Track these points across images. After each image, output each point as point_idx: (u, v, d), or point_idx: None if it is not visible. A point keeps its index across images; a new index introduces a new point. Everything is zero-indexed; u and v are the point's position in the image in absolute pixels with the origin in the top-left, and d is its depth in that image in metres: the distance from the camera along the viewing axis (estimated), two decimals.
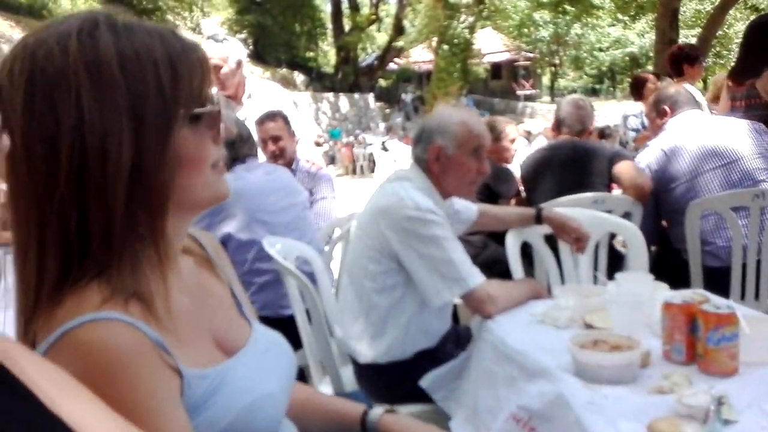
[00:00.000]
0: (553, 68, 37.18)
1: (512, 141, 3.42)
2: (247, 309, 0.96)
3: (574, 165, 2.86)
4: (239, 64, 3.02)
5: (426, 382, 1.76)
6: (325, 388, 1.98)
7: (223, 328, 0.85)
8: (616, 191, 2.91)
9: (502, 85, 34.63)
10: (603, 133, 8.33)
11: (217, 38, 3.03)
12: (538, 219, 2.15)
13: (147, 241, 0.69)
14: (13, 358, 0.48)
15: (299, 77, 29.13)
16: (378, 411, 1.01)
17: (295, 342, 1.70)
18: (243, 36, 27.30)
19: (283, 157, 3.04)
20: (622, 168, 2.74)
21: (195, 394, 0.71)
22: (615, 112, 15.10)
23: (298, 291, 1.96)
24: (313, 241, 2.40)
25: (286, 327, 1.32)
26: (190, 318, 0.78)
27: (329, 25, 32.65)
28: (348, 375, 1.98)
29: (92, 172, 0.66)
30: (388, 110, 29.87)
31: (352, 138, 19.74)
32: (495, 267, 2.70)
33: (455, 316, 2.27)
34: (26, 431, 0.44)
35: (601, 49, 35.75)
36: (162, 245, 0.71)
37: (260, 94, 3.19)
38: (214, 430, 0.72)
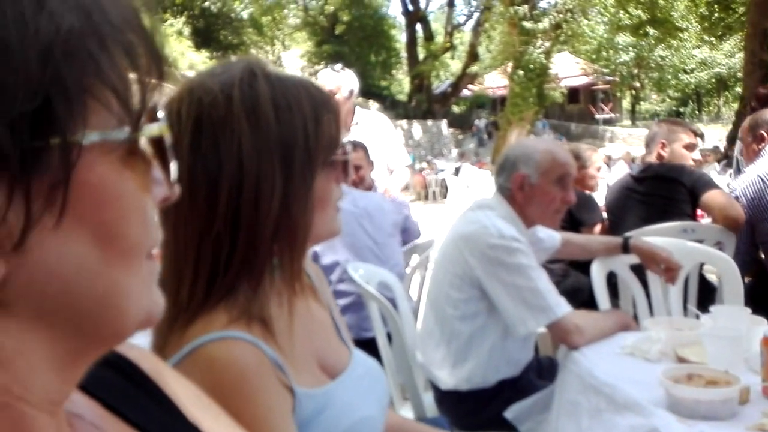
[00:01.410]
0: (633, 91, 36.07)
1: (598, 169, 3.37)
2: (346, 334, 1.01)
3: (660, 192, 2.78)
4: (351, 93, 3.20)
5: (511, 413, 1.74)
6: (406, 413, 2.00)
7: (326, 351, 0.90)
8: (706, 220, 2.80)
9: (579, 108, 33.90)
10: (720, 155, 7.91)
11: (335, 68, 3.25)
12: (626, 248, 2.10)
13: (281, 272, 0.76)
14: (160, 372, 0.53)
15: (373, 105, 29.70)
16: None
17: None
18: (320, 67, 28.18)
19: (362, 184, 3.13)
20: (712, 197, 2.64)
21: (304, 413, 0.76)
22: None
23: (380, 316, 2.00)
24: (396, 266, 2.45)
25: (367, 350, 1.35)
26: (299, 340, 0.83)
27: (404, 54, 33.19)
28: (429, 401, 2.00)
29: (246, 212, 0.73)
30: (461, 136, 29.85)
31: (424, 164, 19.83)
32: (577, 296, 2.65)
33: (535, 346, 2.25)
34: None
35: (685, 71, 34.41)
36: (294, 276, 0.77)
37: (366, 122, 3.37)
38: None
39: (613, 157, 12.53)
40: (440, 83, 34.29)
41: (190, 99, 0.75)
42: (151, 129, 0.36)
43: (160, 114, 0.37)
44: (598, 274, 2.21)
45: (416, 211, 3.06)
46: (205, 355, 0.69)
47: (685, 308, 2.21)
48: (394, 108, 31.00)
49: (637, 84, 34.67)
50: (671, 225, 2.56)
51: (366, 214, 2.46)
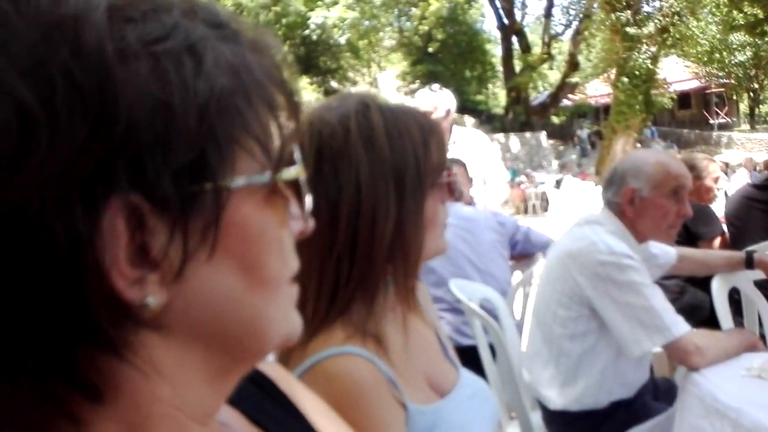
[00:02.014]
0: (751, 93, 33.45)
1: (715, 180, 3.17)
2: (452, 353, 1.02)
3: None
4: (448, 113, 3.25)
5: None
6: None
7: (434, 369, 0.92)
8: None
9: (691, 114, 31.88)
10: None
11: (432, 89, 3.33)
12: (749, 263, 1.96)
13: (394, 291, 0.80)
14: (292, 386, 0.57)
15: (469, 121, 29.55)
16: None
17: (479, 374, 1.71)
18: (415, 86, 28.48)
19: (461, 200, 3.14)
20: None
21: (415, 429, 0.78)
22: None
23: (483, 332, 1.99)
24: (498, 280, 2.43)
25: (466, 358, 1.34)
26: (409, 357, 0.86)
27: (499, 68, 32.85)
28: (536, 420, 1.95)
29: (363, 233, 0.78)
30: (561, 147, 28.98)
31: (523, 177, 19.42)
32: (695, 314, 2.50)
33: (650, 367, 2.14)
34: None
35: None
36: (407, 294, 0.80)
37: (463, 139, 3.41)
38: None
39: (731, 164, 11.63)
40: (538, 94, 33.54)
41: (311, 132, 0.81)
42: (290, 172, 0.40)
43: (297, 156, 0.42)
44: (719, 290, 2.07)
45: None
46: (325, 370, 0.73)
47: None
48: (490, 122, 30.68)
49: (756, 85, 32.11)
50: None
51: (466, 226, 2.47)
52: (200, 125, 0.34)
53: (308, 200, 0.43)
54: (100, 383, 0.34)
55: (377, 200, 0.78)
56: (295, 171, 0.40)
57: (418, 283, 1.07)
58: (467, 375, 0.97)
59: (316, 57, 30.01)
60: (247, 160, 0.37)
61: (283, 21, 27.56)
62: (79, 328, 0.33)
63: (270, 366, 0.57)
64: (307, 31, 28.50)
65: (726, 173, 9.19)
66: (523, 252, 2.75)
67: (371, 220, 0.78)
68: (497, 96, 36.54)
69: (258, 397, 0.52)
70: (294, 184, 0.41)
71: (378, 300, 0.79)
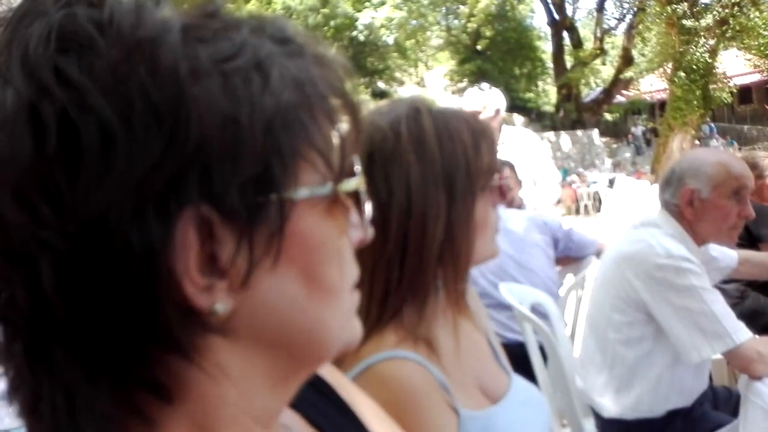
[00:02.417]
0: None
1: None
2: (504, 359, 1.01)
3: None
4: (497, 112, 3.22)
5: None
6: None
7: (486, 374, 0.91)
8: None
9: (752, 109, 30.51)
10: None
11: (481, 87, 3.32)
12: None
13: (444, 295, 0.80)
14: (347, 390, 0.58)
15: (518, 119, 29.13)
16: None
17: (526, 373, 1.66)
18: (463, 85, 28.27)
19: (512, 204, 3.09)
20: None
21: None
22: None
23: (534, 338, 1.96)
24: (544, 283, 2.38)
25: (513, 354, 1.29)
26: (461, 362, 0.85)
27: (549, 64, 32.26)
28: (590, 428, 1.91)
29: (414, 236, 0.79)
30: (614, 145, 28.25)
31: (574, 176, 18.99)
32: (756, 320, 2.40)
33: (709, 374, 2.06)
34: None
35: None
36: (457, 299, 0.80)
37: (513, 140, 3.36)
38: None
39: None
40: (590, 91, 32.77)
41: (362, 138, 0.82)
42: (350, 183, 0.41)
43: (357, 168, 0.42)
44: None
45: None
46: (378, 373, 0.74)
47: None
48: (540, 120, 30.17)
49: None
50: None
51: (503, 229, 2.43)
52: (266, 139, 0.35)
53: (368, 210, 0.44)
54: (171, 385, 0.36)
55: (427, 204, 0.78)
56: (355, 182, 0.41)
57: (468, 287, 1.06)
58: (519, 381, 0.96)
59: (363, 58, 30.17)
60: (310, 171, 0.38)
61: (332, 23, 27.83)
62: (152, 332, 0.34)
63: (328, 370, 0.58)
64: (354, 32, 28.70)
65: None
66: (565, 252, 2.69)
67: (422, 224, 0.78)
68: (548, 93, 35.89)
69: (317, 400, 0.53)
70: (354, 194, 0.42)
71: (428, 304, 0.79)
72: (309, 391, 0.50)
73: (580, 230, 2.78)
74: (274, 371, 0.40)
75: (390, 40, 30.78)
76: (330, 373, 0.58)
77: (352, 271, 0.43)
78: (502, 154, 3.23)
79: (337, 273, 0.41)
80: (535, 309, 2.02)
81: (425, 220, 0.78)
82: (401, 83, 32.98)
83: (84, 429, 0.34)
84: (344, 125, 0.40)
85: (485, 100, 3.19)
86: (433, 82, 33.60)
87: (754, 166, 2.81)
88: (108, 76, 0.33)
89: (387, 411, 0.63)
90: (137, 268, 0.33)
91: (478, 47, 30.80)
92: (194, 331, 0.36)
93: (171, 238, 0.34)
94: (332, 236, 0.40)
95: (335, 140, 0.40)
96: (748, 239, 2.62)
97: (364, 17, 28.17)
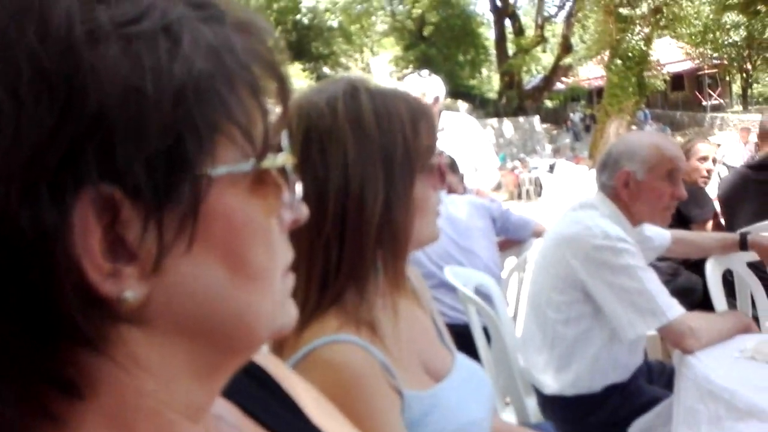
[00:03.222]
0: (744, 74, 33.45)
1: (703, 159, 3.16)
2: (448, 338, 1.02)
3: None
4: (436, 99, 3.21)
5: (635, 429, 1.68)
6: (508, 417, 1.97)
7: (430, 354, 0.91)
8: None
9: (684, 96, 31.89)
10: None
11: (420, 74, 3.29)
12: (743, 245, 1.96)
13: (384, 276, 0.79)
14: (285, 376, 0.56)
15: (462, 106, 29.45)
16: None
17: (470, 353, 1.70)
18: (408, 71, 28.34)
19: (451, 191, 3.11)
20: None
21: (411, 415, 0.77)
22: None
23: (478, 319, 1.99)
24: (483, 259, 2.43)
25: (457, 333, 1.30)
26: (404, 343, 0.85)
27: (492, 51, 32.71)
28: (532, 406, 1.96)
29: (351, 215, 0.77)
30: (555, 132, 28.96)
31: (516, 162, 19.41)
32: (689, 296, 2.51)
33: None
34: None
35: None
36: (397, 280, 0.79)
37: (452, 126, 3.36)
38: None
39: (725, 146, 11.56)
40: (532, 78, 33.45)
41: (299, 114, 0.81)
42: (276, 160, 0.38)
43: (284, 143, 0.40)
44: (713, 273, 2.08)
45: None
46: (319, 358, 0.72)
47: None
48: (483, 107, 30.61)
49: (748, 66, 32.11)
50: None
51: (447, 215, 2.45)
52: (176, 111, 0.32)
53: (297, 188, 0.41)
54: (79, 380, 0.33)
55: (365, 181, 0.77)
56: (281, 158, 0.39)
57: (412, 268, 1.06)
58: (463, 359, 0.96)
59: (308, 42, 29.82)
60: (230, 147, 0.35)
61: (275, 6, 27.32)
62: (54, 324, 0.31)
63: (263, 356, 0.56)
64: (298, 16, 28.27)
65: (720, 156, 9.12)
66: (503, 232, 2.75)
67: (359, 201, 0.77)
68: (491, 80, 36.47)
69: (252, 388, 0.51)
70: (283, 171, 0.40)
71: (369, 286, 0.79)
72: (243, 379, 0.48)
73: (529, 214, 2.84)
74: (198, 361, 0.37)
75: (335, 24, 30.48)
76: (266, 359, 0.56)
77: (283, 254, 0.40)
78: (442, 140, 3.25)
79: (264, 255, 0.38)
80: (479, 291, 2.05)
81: (363, 197, 0.77)
82: (347, 69, 32.79)
83: None
84: (269, 99, 0.38)
85: (425, 87, 3.16)
86: (378, 68, 33.53)
87: (687, 150, 2.93)
88: None
89: (329, 395, 0.62)
90: (30, 253, 0.30)
91: (424, 33, 30.91)
92: (102, 321, 0.33)
93: (68, 219, 0.30)
94: (258, 216, 0.37)
95: (258, 114, 0.37)
96: (679, 219, 2.74)
97: (308, 0, 27.79)
